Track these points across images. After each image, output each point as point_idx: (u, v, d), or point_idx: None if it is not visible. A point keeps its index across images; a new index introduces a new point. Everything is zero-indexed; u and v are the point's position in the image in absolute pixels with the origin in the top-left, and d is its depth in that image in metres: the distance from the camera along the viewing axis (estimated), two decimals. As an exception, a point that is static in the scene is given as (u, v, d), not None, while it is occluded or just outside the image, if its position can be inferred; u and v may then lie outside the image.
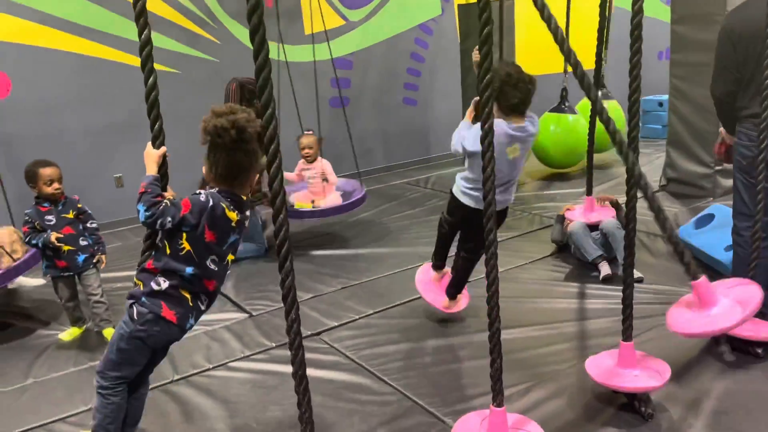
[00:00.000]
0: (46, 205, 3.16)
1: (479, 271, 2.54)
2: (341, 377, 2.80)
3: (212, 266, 2.01)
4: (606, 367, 2.45)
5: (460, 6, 7.05)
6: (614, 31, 8.61)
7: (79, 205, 3.25)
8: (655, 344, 2.84)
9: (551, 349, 2.93)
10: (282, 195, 1.51)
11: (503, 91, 2.61)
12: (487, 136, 1.91)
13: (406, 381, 2.72)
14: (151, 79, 1.83)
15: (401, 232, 4.83)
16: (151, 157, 1.98)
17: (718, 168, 4.94)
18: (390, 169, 7.23)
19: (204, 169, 2.02)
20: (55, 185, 3.13)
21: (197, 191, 1.99)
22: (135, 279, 2.03)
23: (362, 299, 3.61)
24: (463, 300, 3.29)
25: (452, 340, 3.07)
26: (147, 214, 1.89)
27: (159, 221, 1.90)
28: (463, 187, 2.86)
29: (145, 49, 1.81)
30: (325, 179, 4.58)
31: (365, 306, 3.51)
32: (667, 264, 3.81)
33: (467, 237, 3.06)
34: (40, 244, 3.08)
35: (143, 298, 1.98)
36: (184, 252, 1.95)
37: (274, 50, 6.27)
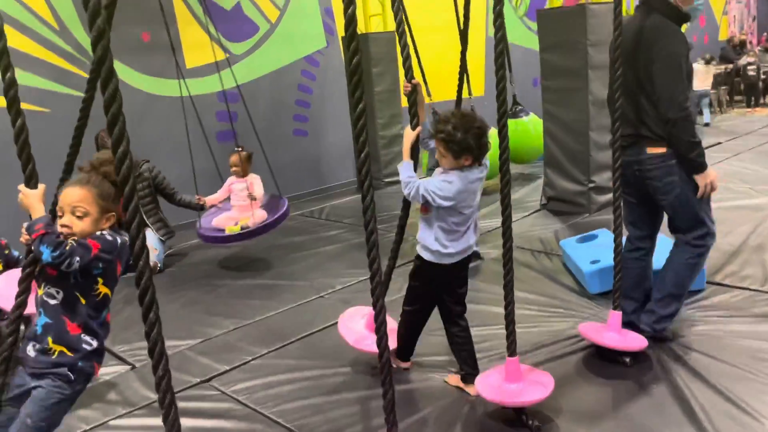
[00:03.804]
0: None
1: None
2: (234, 425, 2.67)
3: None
4: (494, 383, 2.51)
5: (344, 38, 7.15)
6: (488, 60, 9.09)
7: (7, 252, 2.78)
8: (541, 357, 2.95)
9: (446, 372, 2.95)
10: (142, 239, 1.41)
11: (481, 146, 2.46)
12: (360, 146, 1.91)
13: (302, 421, 2.64)
14: (19, 121, 1.77)
15: (295, 265, 4.74)
16: (34, 197, 1.84)
17: (591, 186, 5.27)
18: (284, 201, 7.13)
19: (90, 225, 1.91)
20: None
21: (101, 232, 1.91)
22: (52, 345, 1.89)
23: (256, 339, 3.48)
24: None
25: (350, 374, 3.02)
26: (55, 254, 1.77)
27: (67, 261, 1.79)
28: (440, 249, 2.55)
29: (10, 91, 1.74)
30: (252, 197, 4.56)
31: (259, 346, 3.38)
32: (550, 281, 3.99)
33: (450, 300, 2.72)
34: None
35: (79, 363, 1.92)
36: (100, 297, 1.93)
37: (154, 85, 6.07)
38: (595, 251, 3.85)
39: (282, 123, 7.18)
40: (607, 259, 3.33)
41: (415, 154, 2.67)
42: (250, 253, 5.09)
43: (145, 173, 4.88)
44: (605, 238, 4.02)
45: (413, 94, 2.65)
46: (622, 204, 3.05)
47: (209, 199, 4.76)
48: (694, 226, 2.85)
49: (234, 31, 6.69)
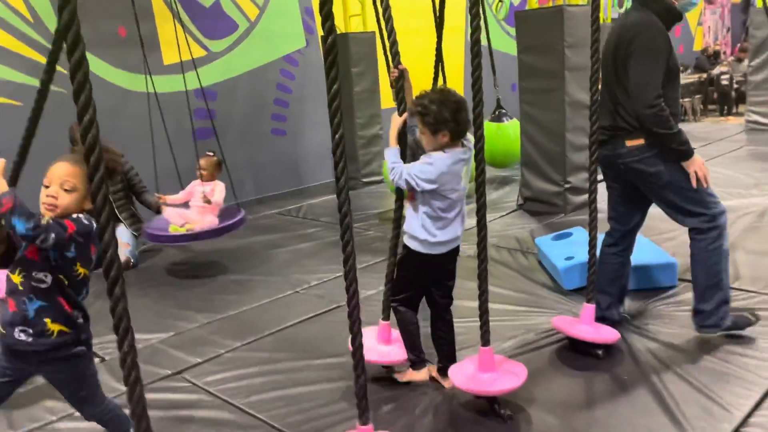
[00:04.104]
0: None
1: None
2: (204, 415, 2.63)
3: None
4: (468, 373, 2.50)
5: (324, 38, 7.14)
6: (467, 63, 9.16)
7: None
8: (515, 349, 2.97)
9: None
10: (111, 229, 1.39)
11: (458, 120, 2.37)
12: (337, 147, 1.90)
13: (274, 412, 2.61)
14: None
15: (270, 262, 4.70)
16: None
17: (567, 186, 5.32)
18: (262, 201, 7.07)
19: (76, 201, 1.94)
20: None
21: (77, 215, 1.92)
22: (50, 326, 1.93)
23: (229, 332, 3.44)
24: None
25: (324, 366, 2.99)
26: (29, 226, 1.73)
27: (42, 235, 1.77)
28: (429, 237, 2.48)
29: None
30: (207, 201, 4.44)
31: (232, 339, 3.34)
32: (526, 278, 4.01)
33: (438, 293, 2.67)
34: None
35: (83, 335, 2.02)
36: (81, 277, 1.97)
37: (130, 80, 6.00)
38: (570, 248, 3.88)
39: (260, 122, 7.14)
40: (582, 256, 3.36)
41: (402, 141, 2.64)
42: (224, 249, 5.04)
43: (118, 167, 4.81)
44: (580, 235, 4.05)
45: (400, 79, 2.59)
46: (608, 197, 3.05)
47: (170, 199, 4.60)
48: (694, 211, 2.80)
49: (212, 28, 6.64)
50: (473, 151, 2.45)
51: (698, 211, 2.79)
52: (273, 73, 7.18)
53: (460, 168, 2.45)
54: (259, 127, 7.12)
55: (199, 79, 5.12)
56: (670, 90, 2.76)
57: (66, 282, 1.94)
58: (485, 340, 2.49)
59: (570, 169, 5.29)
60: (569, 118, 5.18)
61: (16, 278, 1.92)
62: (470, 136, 2.47)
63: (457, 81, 8.65)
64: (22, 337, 1.92)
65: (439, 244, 2.50)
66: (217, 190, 4.54)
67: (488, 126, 6.49)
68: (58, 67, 2.34)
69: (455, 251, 2.62)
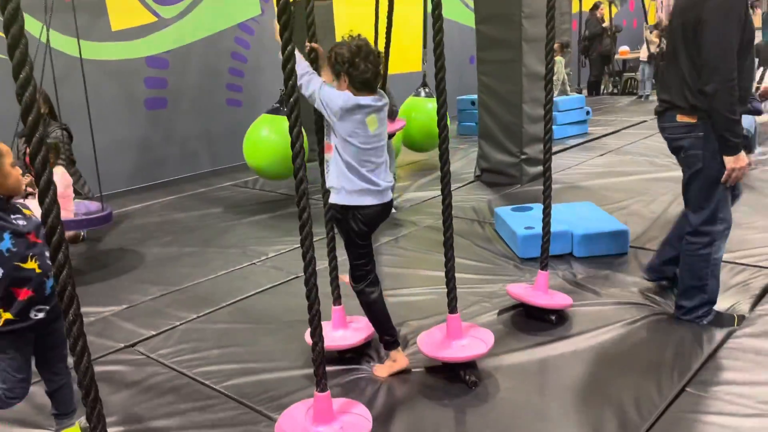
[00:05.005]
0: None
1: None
2: (159, 387, 2.58)
3: None
4: (436, 340, 2.53)
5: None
6: (430, 35, 9.08)
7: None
8: (472, 316, 2.99)
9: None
10: (56, 211, 1.33)
11: (354, 65, 2.26)
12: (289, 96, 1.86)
13: (230, 383, 2.58)
14: None
15: (227, 233, 4.63)
16: None
17: (523, 157, 5.38)
18: (217, 173, 6.93)
19: None
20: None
21: None
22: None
23: (184, 304, 3.38)
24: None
25: (281, 338, 2.97)
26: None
27: None
28: (346, 185, 2.34)
29: None
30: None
31: (187, 311, 3.29)
32: (482, 248, 4.05)
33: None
34: None
35: None
36: None
37: (71, 46, 5.74)
38: (530, 221, 3.91)
39: (215, 92, 6.96)
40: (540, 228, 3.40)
41: None
42: (179, 222, 4.94)
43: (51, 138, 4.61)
44: (537, 210, 4.11)
45: (312, 52, 2.49)
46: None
47: None
48: (704, 208, 2.65)
49: (163, -7, 6.41)
50: (385, 103, 2.36)
51: (705, 207, 2.64)
52: (227, 41, 7.00)
53: (360, 114, 2.29)
54: (214, 97, 6.95)
55: (74, 50, 4.63)
56: (741, 67, 2.45)
57: None
58: (452, 307, 2.50)
59: (526, 141, 5.34)
60: (526, 89, 5.21)
61: (32, 264, 1.97)
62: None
63: (416, 53, 8.59)
64: (40, 315, 2.00)
65: (360, 192, 2.35)
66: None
67: (407, 102, 6.30)
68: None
69: (380, 213, 2.44)
